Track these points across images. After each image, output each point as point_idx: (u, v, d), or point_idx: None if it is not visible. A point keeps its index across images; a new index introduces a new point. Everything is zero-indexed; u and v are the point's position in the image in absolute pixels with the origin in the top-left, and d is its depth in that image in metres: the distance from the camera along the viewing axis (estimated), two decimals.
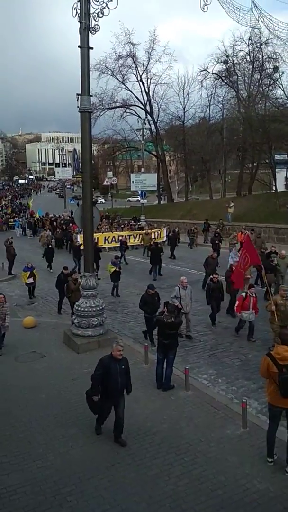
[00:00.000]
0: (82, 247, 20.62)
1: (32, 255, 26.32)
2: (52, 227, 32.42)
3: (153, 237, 27.91)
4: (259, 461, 6.49)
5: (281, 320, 9.98)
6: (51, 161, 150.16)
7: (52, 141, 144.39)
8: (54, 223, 34.97)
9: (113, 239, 27.71)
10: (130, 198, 72.46)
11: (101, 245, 26.17)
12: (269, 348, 6.93)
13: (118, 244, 27.30)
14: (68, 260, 21.06)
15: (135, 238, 28.62)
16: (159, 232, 29.46)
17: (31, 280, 16.45)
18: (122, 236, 27.29)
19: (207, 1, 12.38)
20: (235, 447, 6.90)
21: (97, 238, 25.53)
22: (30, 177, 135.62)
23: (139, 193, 38.13)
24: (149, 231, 28.24)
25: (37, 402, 8.54)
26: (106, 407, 7.17)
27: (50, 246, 23.63)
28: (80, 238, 23.24)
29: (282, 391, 6.04)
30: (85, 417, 7.88)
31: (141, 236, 27.98)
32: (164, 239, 29.10)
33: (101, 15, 10.99)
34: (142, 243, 27.23)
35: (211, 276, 13.24)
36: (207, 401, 8.41)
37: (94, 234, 25.62)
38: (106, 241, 27.41)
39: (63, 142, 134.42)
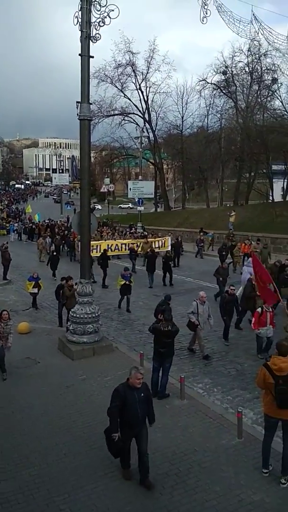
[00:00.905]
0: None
1: (27, 261, 26.36)
2: (52, 233, 31.52)
3: (157, 245, 27.66)
4: (254, 472, 6.45)
5: None
6: (48, 167, 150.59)
7: (50, 147, 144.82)
8: (56, 230, 33.85)
9: (116, 247, 27.33)
10: (122, 205, 72.73)
11: (109, 254, 25.34)
12: (266, 358, 6.92)
13: (121, 252, 27.14)
14: (72, 269, 20.65)
15: (138, 247, 27.74)
16: (163, 240, 28.93)
17: (35, 290, 15.96)
18: (132, 243, 26.47)
19: (206, 14, 12.60)
20: (230, 457, 6.86)
21: (100, 245, 25.27)
22: (27, 182, 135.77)
23: (136, 200, 38.22)
24: (149, 239, 27.73)
25: (31, 409, 8.46)
26: (127, 443, 6.24)
27: (55, 253, 22.65)
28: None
29: (278, 402, 6.03)
30: (79, 425, 7.85)
31: (141, 244, 27.31)
32: (169, 248, 28.40)
33: (102, 24, 11.07)
34: (141, 251, 26.64)
35: (227, 288, 12.68)
36: (202, 411, 8.37)
37: (97, 242, 25.71)
38: (109, 249, 26.51)
39: (60, 148, 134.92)
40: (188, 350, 11.63)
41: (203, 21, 11.51)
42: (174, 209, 55.57)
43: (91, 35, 11.04)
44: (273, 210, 31.91)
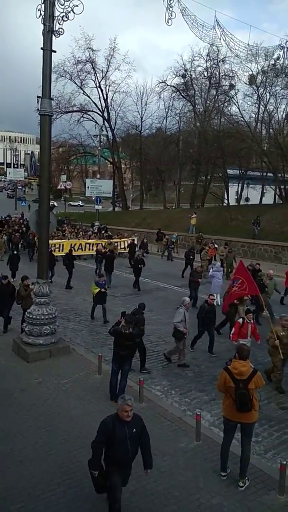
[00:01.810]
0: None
1: None
2: (9, 231, 29.38)
3: (123, 246, 27.41)
4: (213, 475, 6.51)
5: (284, 353, 9.30)
6: (2, 161, 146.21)
7: (4, 141, 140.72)
8: (15, 227, 31.37)
9: (80, 247, 26.64)
10: (72, 202, 71.04)
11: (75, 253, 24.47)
12: (226, 362, 7.02)
13: (85, 252, 26.43)
14: (33, 268, 20.04)
15: (103, 247, 27.03)
16: (129, 241, 28.25)
17: None
18: (100, 243, 25.73)
19: (171, 16, 12.62)
20: (189, 460, 6.88)
21: (63, 245, 24.69)
22: None
23: (94, 198, 37.89)
24: (113, 240, 27.15)
25: None
26: (114, 483, 5.34)
27: (15, 252, 21.10)
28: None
29: (238, 405, 6.11)
30: (34, 431, 7.60)
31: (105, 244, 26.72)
32: (125, 249, 28.15)
33: (65, 19, 10.83)
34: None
35: (207, 298, 12.06)
36: (161, 413, 8.36)
37: (60, 241, 25.04)
38: (73, 249, 25.25)
39: (15, 142, 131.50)
40: (180, 366, 10.93)
41: (168, 22, 11.54)
42: (131, 209, 55.60)
43: (54, 29, 10.77)
44: (228, 213, 32.69)
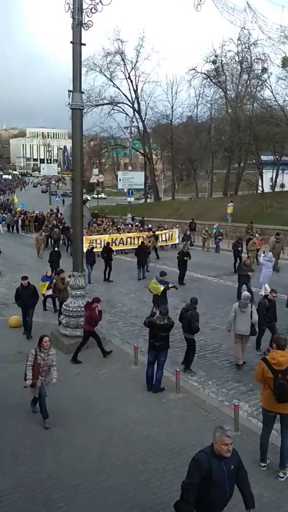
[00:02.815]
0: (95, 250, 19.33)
1: (18, 254, 26.05)
2: (50, 226, 29.59)
3: (164, 238, 26.67)
4: (252, 466, 6.43)
5: None
6: (36, 157, 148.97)
7: (37, 137, 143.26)
8: (54, 222, 32.01)
9: (121, 241, 25.88)
10: (94, 195, 69.45)
11: (114, 248, 24.20)
12: (264, 352, 6.89)
13: (126, 246, 25.79)
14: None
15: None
16: (170, 233, 27.72)
17: (49, 292, 13.97)
18: (138, 237, 25.06)
19: (201, 1, 12.33)
20: None
21: (104, 240, 24.12)
22: (14, 172, 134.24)
23: (126, 191, 37.95)
24: (150, 233, 25.51)
25: (24, 405, 8.32)
26: None
27: (56, 248, 20.64)
28: (85, 241, 21.01)
29: (277, 396, 6.01)
30: (73, 421, 7.76)
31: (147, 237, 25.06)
32: (177, 241, 27.78)
33: (94, 11, 10.82)
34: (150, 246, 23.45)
35: (267, 294, 11.12)
36: (198, 404, 8.35)
37: (100, 236, 24.94)
38: (114, 244, 24.91)
39: (48, 138, 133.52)
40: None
41: (197, 8, 11.26)
42: (163, 200, 55.40)
43: (83, 22, 10.78)
44: (263, 201, 31.98)
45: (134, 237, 26.09)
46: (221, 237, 26.54)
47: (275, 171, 41.48)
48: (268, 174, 41.73)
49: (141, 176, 43.45)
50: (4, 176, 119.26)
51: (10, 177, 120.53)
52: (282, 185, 45.91)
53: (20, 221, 37.78)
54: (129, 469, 6.46)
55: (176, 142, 47.54)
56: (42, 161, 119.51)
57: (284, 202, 31.10)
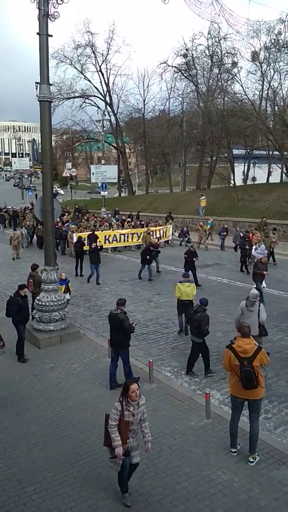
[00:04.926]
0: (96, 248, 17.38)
1: None
2: (32, 223, 27.76)
3: (158, 235, 25.04)
4: (223, 452, 6.61)
5: None
6: (7, 151, 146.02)
7: (9, 130, 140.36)
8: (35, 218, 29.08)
9: (115, 238, 24.67)
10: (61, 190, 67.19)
11: (108, 246, 23.92)
12: (230, 340, 7.03)
13: (120, 244, 24.70)
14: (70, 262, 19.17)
15: (138, 237, 24.90)
16: (164, 230, 26.76)
17: (68, 296, 13.02)
18: (135, 233, 24.35)
19: None
20: (199, 438, 7.00)
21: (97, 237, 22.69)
22: None
23: (99, 185, 37.73)
24: (151, 228, 24.94)
25: None
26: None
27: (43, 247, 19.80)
28: (76, 237, 20.84)
29: (244, 383, 6.18)
30: (47, 415, 7.76)
31: (142, 234, 24.12)
32: (170, 237, 27.01)
33: (60, 2, 10.72)
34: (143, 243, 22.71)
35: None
36: (171, 393, 8.48)
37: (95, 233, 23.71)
38: (107, 241, 24.09)
39: (19, 131, 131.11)
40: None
41: (164, 1, 11.28)
42: (137, 194, 55.37)
43: (50, 13, 10.64)
44: (235, 194, 32.41)
45: (127, 234, 25.12)
46: (225, 233, 24.79)
47: (246, 164, 42.02)
48: (239, 168, 42.22)
49: (114, 170, 43.19)
50: None
51: None
52: (254, 179, 46.57)
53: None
54: (103, 459, 6.51)
55: (149, 136, 47.53)
56: (13, 155, 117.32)
57: (256, 195, 31.62)
